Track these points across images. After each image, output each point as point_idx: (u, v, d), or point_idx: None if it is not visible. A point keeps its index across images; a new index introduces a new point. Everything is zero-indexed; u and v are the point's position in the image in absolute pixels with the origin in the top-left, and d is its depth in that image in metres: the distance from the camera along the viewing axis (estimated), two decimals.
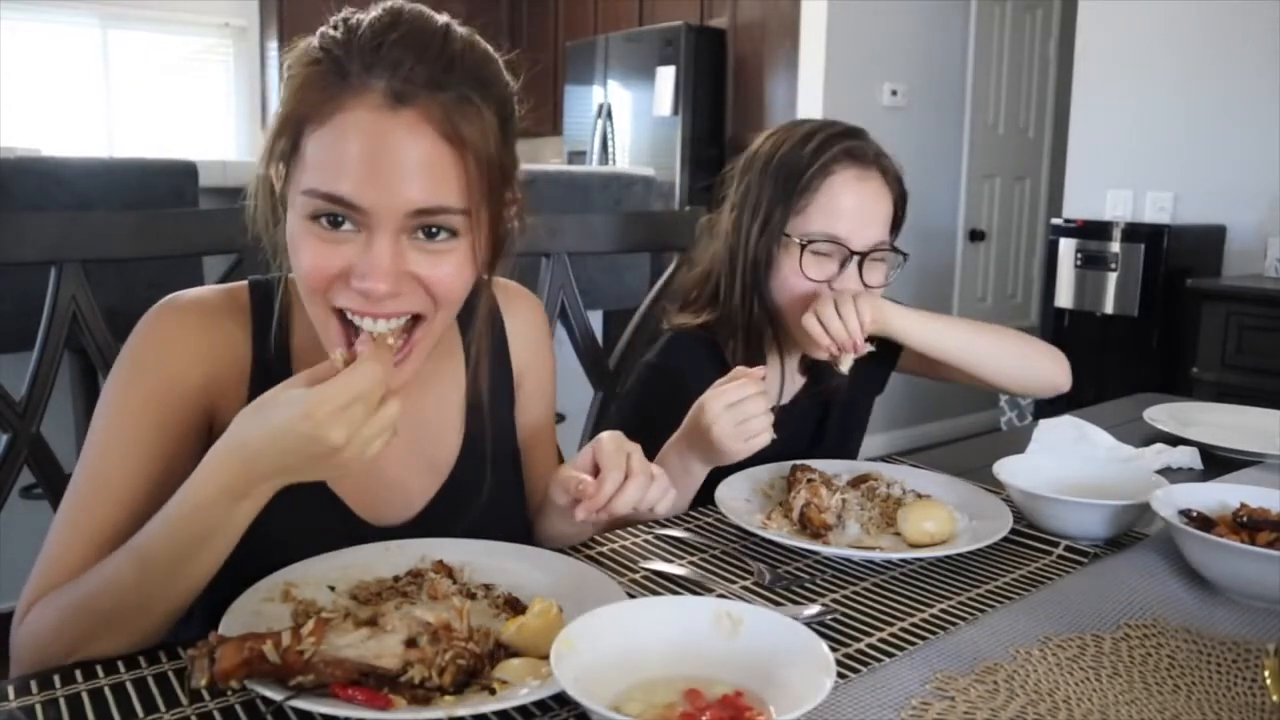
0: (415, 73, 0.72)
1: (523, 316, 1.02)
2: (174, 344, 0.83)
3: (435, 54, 0.74)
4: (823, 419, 1.34)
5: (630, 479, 0.83)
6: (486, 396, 0.94)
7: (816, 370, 1.29)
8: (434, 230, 0.75)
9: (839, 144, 1.20)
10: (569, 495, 0.85)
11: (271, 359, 0.86)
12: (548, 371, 1.06)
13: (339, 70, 0.72)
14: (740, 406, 1.00)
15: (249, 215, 0.84)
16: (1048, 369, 1.31)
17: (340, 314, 0.77)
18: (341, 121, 0.72)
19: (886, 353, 1.29)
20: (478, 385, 0.94)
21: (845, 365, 1.16)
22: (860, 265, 1.19)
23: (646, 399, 1.26)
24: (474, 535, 0.88)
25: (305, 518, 0.83)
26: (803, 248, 1.19)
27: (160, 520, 0.72)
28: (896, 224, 1.26)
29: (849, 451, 1.38)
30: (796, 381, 1.32)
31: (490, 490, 0.94)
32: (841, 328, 1.13)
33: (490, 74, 0.79)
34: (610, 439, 0.85)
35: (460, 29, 0.79)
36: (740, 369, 1.03)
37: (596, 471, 0.86)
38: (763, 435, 1.01)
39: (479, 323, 0.90)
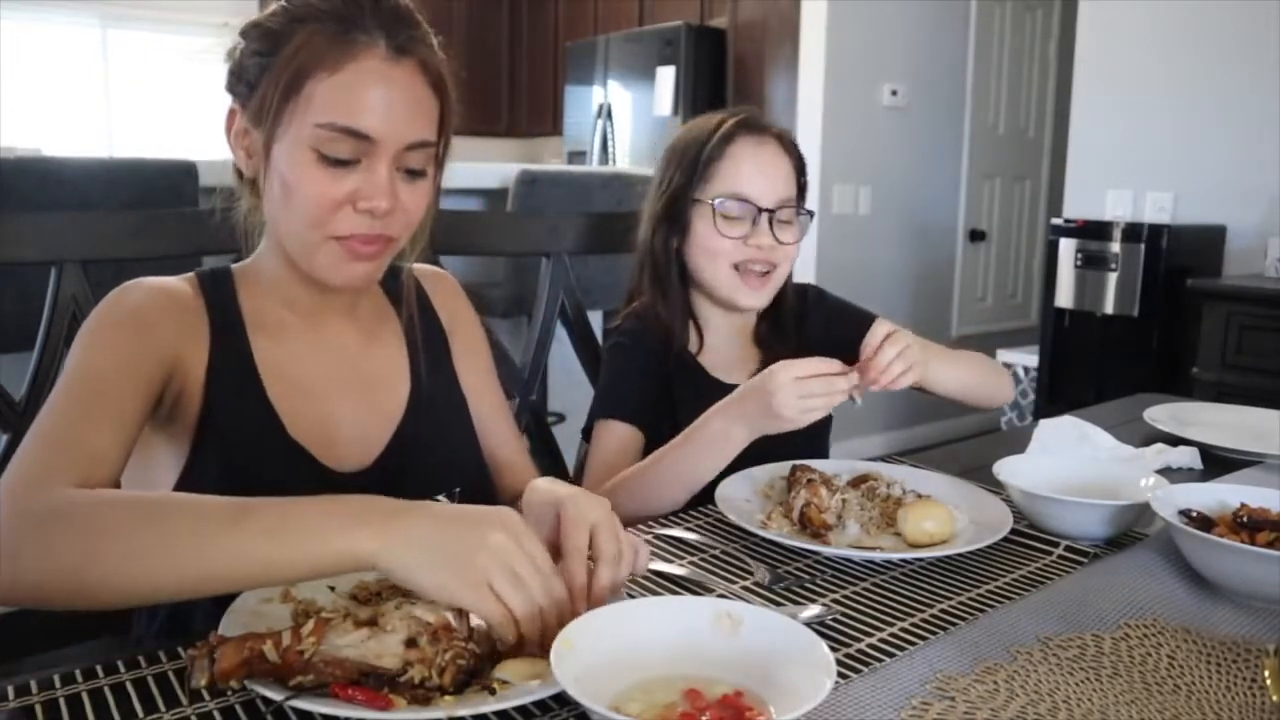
0: (407, 32, 0.87)
1: (437, 284, 1.13)
2: (152, 310, 0.90)
3: (409, 19, 0.89)
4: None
5: (598, 564, 0.76)
6: (421, 346, 1.04)
7: (771, 344, 1.36)
8: (417, 165, 0.90)
9: (736, 118, 1.32)
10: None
11: (227, 346, 0.92)
12: (475, 326, 1.15)
13: (346, 28, 0.85)
14: (808, 384, 1.05)
15: (238, 163, 0.96)
16: (1007, 390, 1.38)
17: (336, 240, 0.89)
18: (355, 69, 0.85)
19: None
20: (413, 335, 1.04)
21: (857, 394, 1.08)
22: (771, 225, 1.28)
23: (612, 374, 1.34)
24: (431, 478, 0.97)
25: (272, 465, 0.90)
26: (714, 208, 1.27)
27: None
28: (801, 189, 1.35)
29: (819, 435, 1.36)
30: (751, 356, 1.37)
31: (442, 435, 1.02)
32: (885, 363, 1.07)
33: (435, 42, 0.92)
34: (572, 506, 0.78)
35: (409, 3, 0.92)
36: (820, 359, 1.07)
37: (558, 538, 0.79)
38: (820, 411, 1.06)
39: (404, 282, 1.05)
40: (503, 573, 0.66)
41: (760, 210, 1.27)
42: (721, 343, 1.36)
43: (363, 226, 0.88)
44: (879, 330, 1.09)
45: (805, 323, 1.39)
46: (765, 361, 1.33)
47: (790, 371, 1.05)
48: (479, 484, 1.03)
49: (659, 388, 1.30)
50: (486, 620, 0.67)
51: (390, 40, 0.86)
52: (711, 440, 1.11)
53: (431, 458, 1.00)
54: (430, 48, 0.90)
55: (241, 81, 0.91)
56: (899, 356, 1.07)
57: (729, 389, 1.14)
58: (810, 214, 1.34)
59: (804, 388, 1.05)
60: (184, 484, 0.88)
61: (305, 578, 0.69)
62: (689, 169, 1.30)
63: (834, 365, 1.07)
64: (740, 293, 1.30)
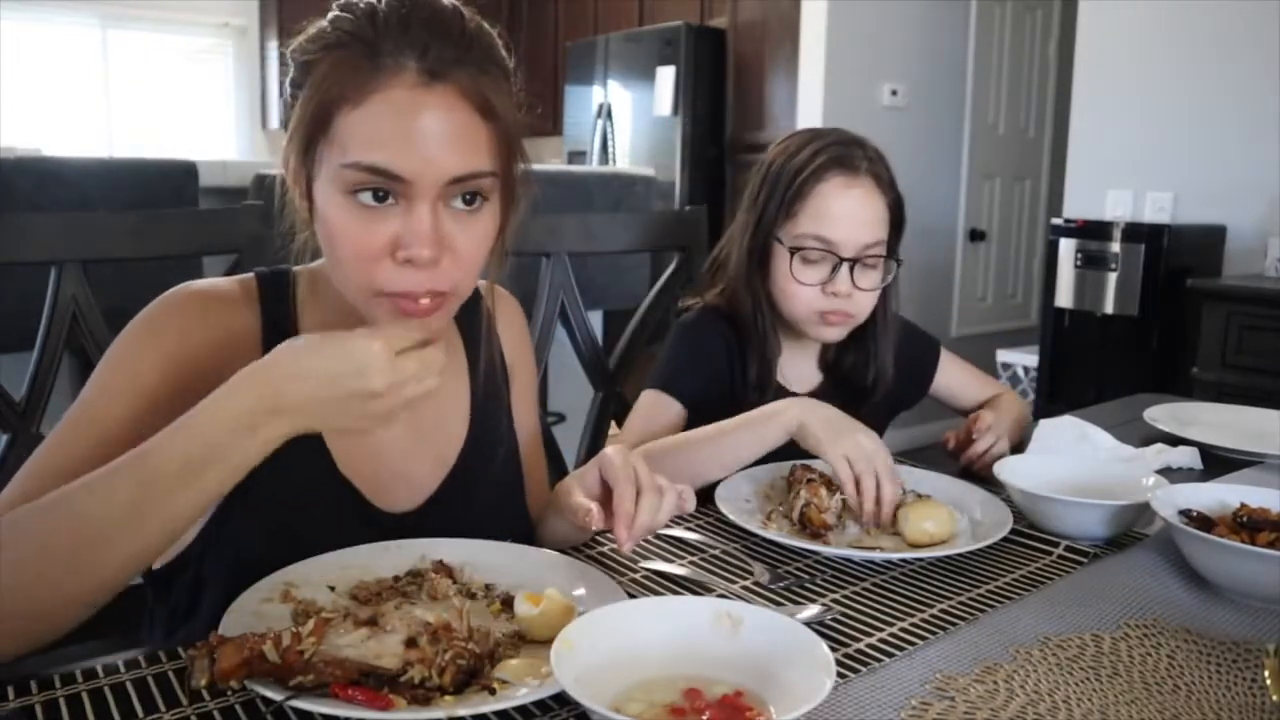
0: (443, 51, 0.77)
1: (508, 316, 1.05)
2: (190, 319, 0.85)
3: (457, 33, 0.79)
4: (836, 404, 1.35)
5: (642, 494, 0.81)
6: (485, 386, 0.98)
7: (837, 369, 1.36)
8: (470, 197, 0.80)
9: (829, 152, 1.25)
10: (578, 520, 0.83)
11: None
12: (532, 369, 1.10)
13: (371, 53, 0.76)
14: (883, 459, 1.02)
15: (278, 210, 0.87)
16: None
17: (386, 296, 0.80)
18: (381, 100, 0.76)
19: (923, 381, 1.46)
20: (487, 377, 0.98)
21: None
22: (852, 270, 1.24)
23: (674, 352, 1.33)
24: (479, 523, 0.90)
25: (318, 501, 0.86)
26: (793, 254, 1.24)
27: (167, 435, 0.71)
28: (896, 228, 1.30)
29: None
30: (814, 375, 1.37)
31: (494, 480, 0.97)
32: (977, 454, 1.26)
33: (498, 47, 0.84)
34: (616, 454, 0.84)
35: (463, 8, 0.83)
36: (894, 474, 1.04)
37: (604, 489, 0.84)
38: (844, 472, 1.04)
39: (484, 316, 0.97)
40: (336, 403, 0.70)
41: (841, 260, 1.23)
42: (791, 355, 1.35)
43: (409, 283, 0.79)
44: (982, 422, 1.27)
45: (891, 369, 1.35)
46: (824, 384, 1.36)
47: (877, 440, 1.05)
48: (526, 532, 1.00)
49: (713, 381, 1.29)
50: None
51: (421, 62, 0.76)
52: (767, 417, 1.10)
53: (482, 505, 0.95)
54: (478, 64, 0.79)
55: (290, 114, 0.82)
56: (988, 450, 1.25)
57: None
58: (899, 262, 1.29)
59: (867, 462, 1.02)
60: (219, 520, 0.84)
61: (237, 478, 0.72)
62: (776, 200, 1.26)
63: (895, 480, 1.03)
64: (818, 330, 1.28)
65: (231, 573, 0.79)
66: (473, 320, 0.99)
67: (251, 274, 0.91)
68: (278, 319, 0.89)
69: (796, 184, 1.25)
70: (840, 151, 1.25)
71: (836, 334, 1.29)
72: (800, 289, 1.25)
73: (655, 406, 1.27)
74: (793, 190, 1.25)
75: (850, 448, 1.03)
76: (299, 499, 0.85)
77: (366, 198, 0.77)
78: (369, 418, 0.72)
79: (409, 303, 0.80)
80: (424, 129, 0.76)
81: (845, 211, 1.24)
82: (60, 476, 0.74)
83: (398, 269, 0.78)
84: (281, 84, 0.84)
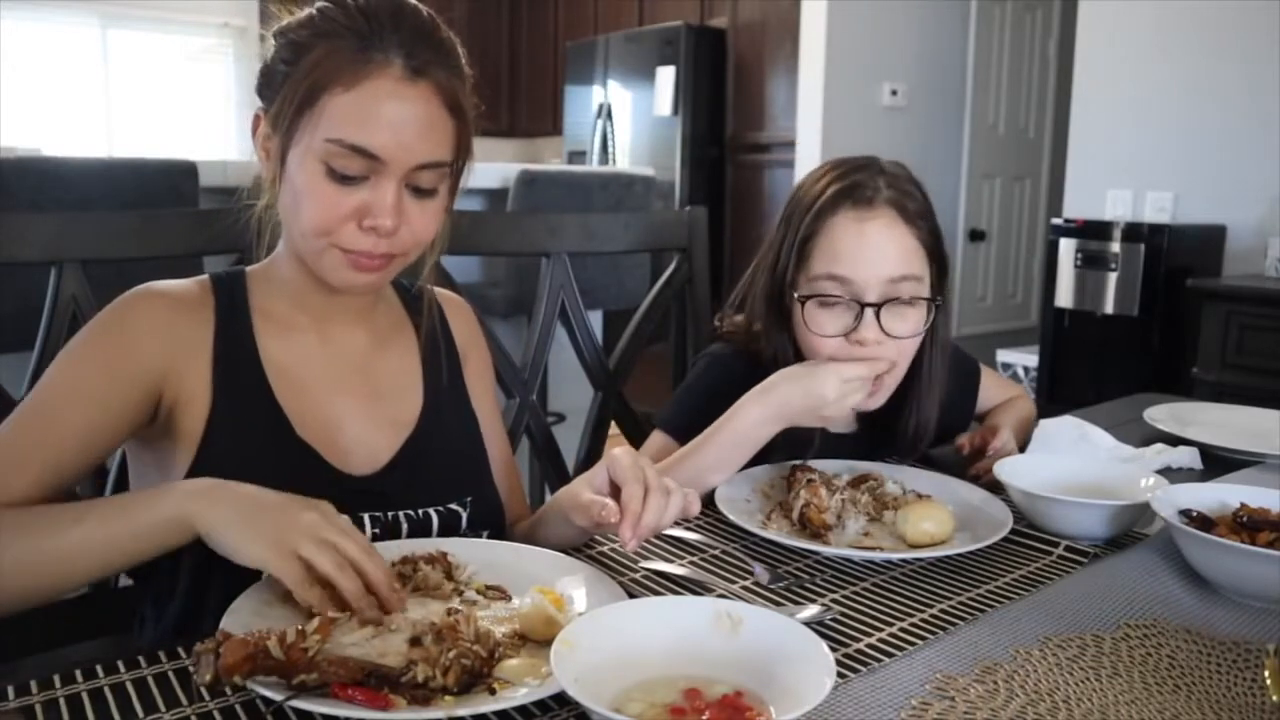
0: (425, 53, 0.87)
1: (455, 310, 1.12)
2: (142, 322, 0.90)
3: (436, 40, 0.89)
4: (870, 453, 1.22)
5: (649, 494, 0.83)
6: (435, 361, 1.04)
7: (876, 419, 1.23)
8: (428, 185, 0.89)
9: (840, 184, 1.12)
10: (591, 520, 0.84)
11: (233, 346, 0.93)
12: (488, 359, 1.15)
13: (365, 46, 0.86)
14: (847, 368, 1.07)
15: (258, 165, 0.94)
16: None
17: (341, 250, 0.89)
18: (370, 88, 0.85)
19: (967, 415, 1.39)
20: (434, 353, 1.04)
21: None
22: (878, 315, 1.08)
23: (688, 388, 1.26)
24: (438, 487, 0.97)
25: (280, 466, 0.90)
26: (804, 303, 1.11)
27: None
28: (937, 263, 1.14)
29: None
30: (849, 422, 1.26)
31: (452, 447, 1.02)
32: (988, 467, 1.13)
33: (462, 58, 0.94)
34: (625, 454, 0.86)
35: (438, 18, 0.92)
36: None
37: (612, 488, 0.86)
38: (860, 393, 1.09)
39: (428, 301, 1.05)
40: (309, 540, 0.73)
41: (864, 305, 1.08)
42: None
43: (367, 244, 0.88)
44: (998, 439, 1.21)
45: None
46: (859, 433, 1.25)
47: (841, 372, 1.07)
48: (489, 497, 1.03)
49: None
50: (289, 584, 0.72)
51: (407, 60, 0.86)
52: (744, 436, 1.08)
53: (444, 467, 1.00)
54: (451, 69, 0.89)
55: (269, 86, 0.90)
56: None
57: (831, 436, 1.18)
58: (938, 305, 1.12)
59: (845, 371, 1.06)
60: None
61: (146, 550, 0.78)
62: (790, 243, 1.13)
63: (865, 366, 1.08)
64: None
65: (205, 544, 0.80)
66: (418, 307, 1.06)
67: (206, 276, 0.96)
68: (231, 317, 0.94)
69: (807, 221, 1.11)
70: (853, 180, 1.11)
71: (870, 402, 1.13)
72: (821, 342, 1.10)
73: (654, 443, 1.22)
74: (804, 229, 1.11)
75: (835, 410, 1.07)
76: (261, 463, 0.89)
77: (343, 170, 0.86)
78: (276, 529, 0.74)
79: (363, 259, 0.89)
80: (403, 118, 0.86)
81: (860, 247, 1.08)
82: (11, 478, 0.82)
83: (360, 233, 0.88)
84: (266, 62, 0.91)
